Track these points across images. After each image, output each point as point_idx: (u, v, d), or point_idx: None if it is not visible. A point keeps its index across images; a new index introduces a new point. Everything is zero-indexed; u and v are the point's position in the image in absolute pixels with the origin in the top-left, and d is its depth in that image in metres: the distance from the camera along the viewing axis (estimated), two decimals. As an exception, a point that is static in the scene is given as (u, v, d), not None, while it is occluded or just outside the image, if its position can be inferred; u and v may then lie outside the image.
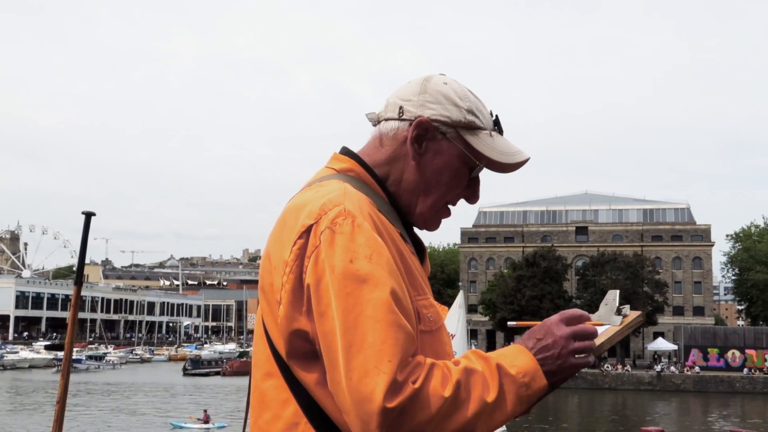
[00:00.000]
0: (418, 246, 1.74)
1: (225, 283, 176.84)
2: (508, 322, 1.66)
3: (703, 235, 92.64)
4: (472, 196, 1.76)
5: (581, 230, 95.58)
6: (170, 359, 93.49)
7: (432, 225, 1.74)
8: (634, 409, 48.72)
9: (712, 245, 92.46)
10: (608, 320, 1.66)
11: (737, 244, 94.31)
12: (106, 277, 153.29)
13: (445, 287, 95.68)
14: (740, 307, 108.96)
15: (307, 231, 1.52)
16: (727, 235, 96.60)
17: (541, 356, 1.52)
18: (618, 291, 1.71)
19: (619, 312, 1.66)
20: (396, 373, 1.39)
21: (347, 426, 1.46)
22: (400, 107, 1.71)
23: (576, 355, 1.54)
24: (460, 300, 18.03)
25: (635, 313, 1.67)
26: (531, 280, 73.06)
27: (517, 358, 1.51)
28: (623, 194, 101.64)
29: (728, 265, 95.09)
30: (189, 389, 55.60)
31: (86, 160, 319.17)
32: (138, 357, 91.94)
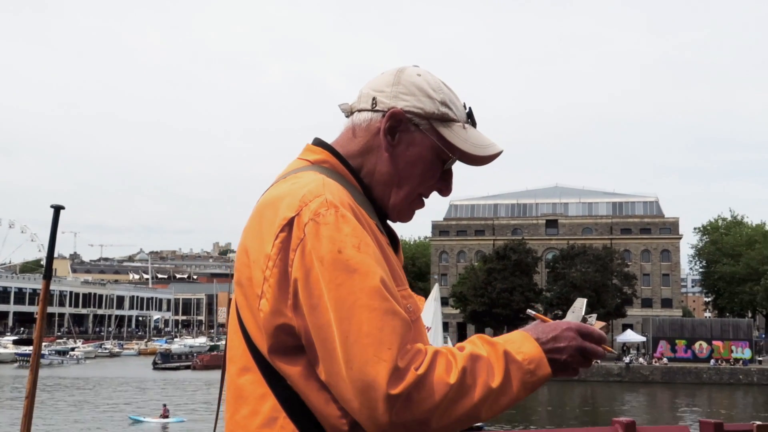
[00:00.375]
0: (392, 237, 1.74)
1: (195, 277, 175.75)
2: (528, 310, 1.71)
3: (671, 228, 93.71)
4: (445, 189, 1.75)
5: (551, 223, 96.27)
6: (140, 353, 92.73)
7: (405, 217, 1.73)
8: (603, 400, 49.20)
9: (680, 238, 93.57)
10: None
11: (705, 237, 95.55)
12: (74, 270, 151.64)
13: (416, 280, 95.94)
14: (707, 299, 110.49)
15: (289, 224, 1.50)
16: (695, 228, 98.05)
17: (549, 356, 1.53)
18: (585, 300, 1.73)
19: (584, 321, 1.67)
20: (396, 360, 1.39)
21: (331, 418, 1.48)
22: (374, 98, 1.70)
23: (573, 367, 1.58)
24: (435, 293, 18.13)
25: (600, 324, 1.69)
26: (501, 273, 73.45)
27: (523, 345, 1.52)
28: (593, 187, 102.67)
29: (696, 258, 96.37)
30: (159, 383, 55.23)
31: (54, 153, 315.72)
32: (107, 351, 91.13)
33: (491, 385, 1.45)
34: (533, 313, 1.68)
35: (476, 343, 1.52)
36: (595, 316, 1.71)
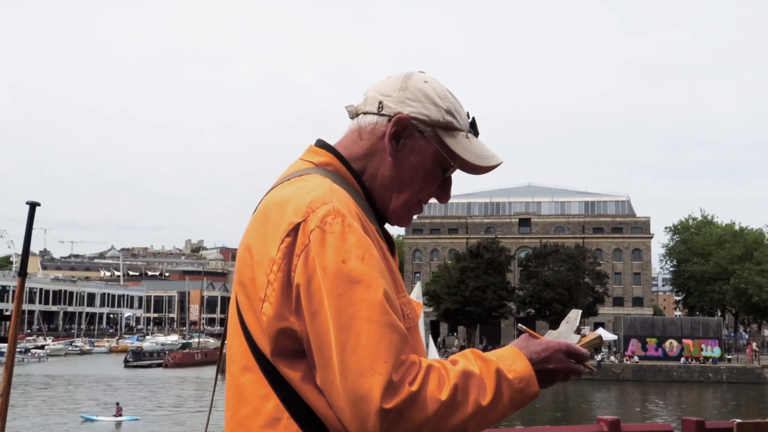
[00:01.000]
0: (389, 240, 1.74)
1: (167, 274, 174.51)
2: (519, 325, 1.76)
3: (642, 227, 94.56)
4: (444, 196, 1.79)
5: (524, 222, 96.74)
6: (111, 351, 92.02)
7: (404, 221, 1.76)
8: (575, 398, 49.57)
9: (651, 237, 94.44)
10: (567, 338, 1.72)
11: (675, 236, 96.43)
12: (44, 267, 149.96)
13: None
14: (678, 298, 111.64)
15: (295, 229, 1.51)
16: (666, 228, 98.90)
17: (538, 376, 1.58)
18: (580, 311, 1.77)
19: (578, 331, 1.71)
20: (391, 373, 1.42)
21: (333, 421, 1.49)
22: (380, 102, 1.72)
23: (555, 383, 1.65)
24: (417, 291, 18.59)
25: (594, 335, 1.73)
26: (474, 271, 73.60)
27: (515, 362, 1.56)
28: (566, 187, 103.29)
29: (667, 257, 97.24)
30: (130, 382, 54.81)
31: (24, 148, 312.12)
32: (78, 349, 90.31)
33: (481, 403, 1.48)
34: (524, 328, 1.70)
35: (469, 358, 1.54)
36: (588, 327, 1.74)
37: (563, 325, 1.73)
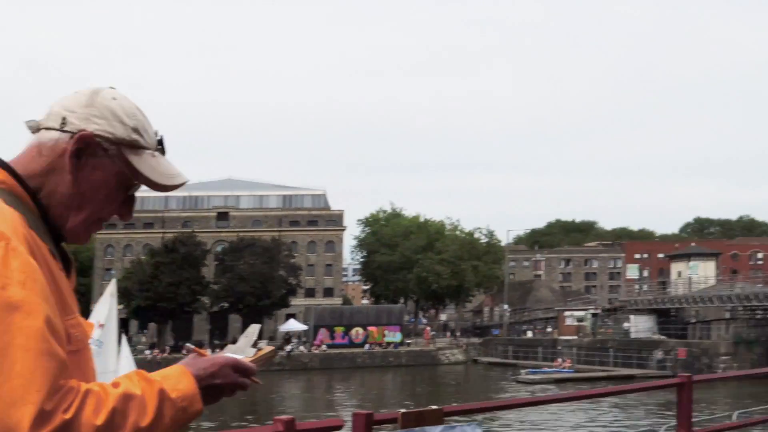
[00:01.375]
0: (65, 259, 1.67)
1: None
2: (187, 345, 1.80)
3: (336, 220, 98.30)
4: (126, 213, 1.75)
5: (222, 216, 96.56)
6: None
7: (82, 239, 1.71)
8: (264, 390, 50.36)
9: (344, 230, 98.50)
10: (243, 352, 1.77)
11: (367, 229, 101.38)
12: None
13: (77, 276, 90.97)
14: (366, 287, 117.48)
15: None
16: (359, 220, 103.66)
17: (206, 392, 1.61)
18: (260, 326, 1.81)
19: (255, 345, 1.78)
20: (44, 402, 1.39)
21: None
22: (64, 118, 1.66)
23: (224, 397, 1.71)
24: (111, 289, 17.72)
25: (269, 348, 1.79)
26: (169, 266, 72.20)
27: (180, 381, 1.57)
28: (265, 180, 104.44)
29: (358, 248, 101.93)
30: None
31: None
32: None
33: (140, 425, 1.48)
34: (191, 347, 1.73)
35: (133, 380, 1.54)
36: (265, 342, 1.73)
37: (242, 339, 1.78)
